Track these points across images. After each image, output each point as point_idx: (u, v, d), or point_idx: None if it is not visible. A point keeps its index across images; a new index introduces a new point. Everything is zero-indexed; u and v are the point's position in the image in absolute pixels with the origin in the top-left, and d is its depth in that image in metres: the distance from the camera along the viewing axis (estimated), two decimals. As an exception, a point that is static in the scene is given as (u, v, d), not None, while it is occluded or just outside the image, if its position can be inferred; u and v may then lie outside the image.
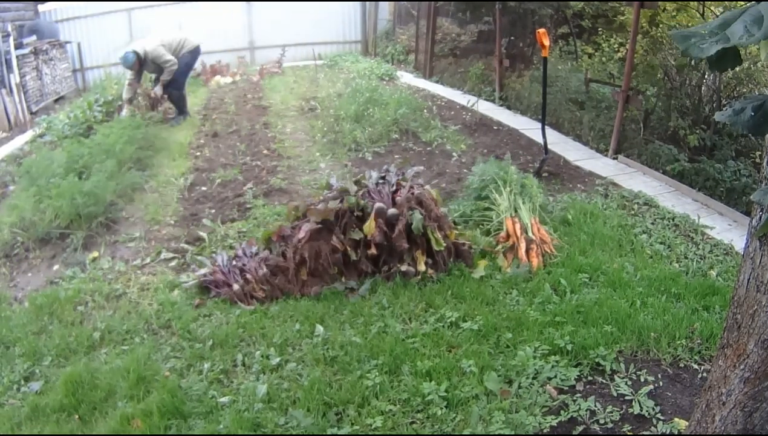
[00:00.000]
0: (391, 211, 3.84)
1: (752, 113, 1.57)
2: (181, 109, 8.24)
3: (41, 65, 9.44)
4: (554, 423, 2.60)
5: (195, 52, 8.12)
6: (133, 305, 3.77)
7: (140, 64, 7.56)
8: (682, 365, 3.04)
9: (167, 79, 7.72)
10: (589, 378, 2.93)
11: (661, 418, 2.64)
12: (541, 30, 5.23)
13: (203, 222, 4.90)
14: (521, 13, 9.25)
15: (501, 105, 8.98)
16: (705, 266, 4.12)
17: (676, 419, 2.62)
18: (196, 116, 8.51)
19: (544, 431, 2.58)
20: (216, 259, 4.09)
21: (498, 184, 4.57)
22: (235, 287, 3.74)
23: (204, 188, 5.69)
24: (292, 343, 3.27)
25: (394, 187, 4.12)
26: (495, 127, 7.73)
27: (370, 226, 3.77)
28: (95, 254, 4.48)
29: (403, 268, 3.84)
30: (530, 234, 4.11)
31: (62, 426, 2.72)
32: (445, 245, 3.92)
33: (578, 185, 5.70)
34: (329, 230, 3.82)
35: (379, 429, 2.60)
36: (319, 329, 3.35)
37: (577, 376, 2.91)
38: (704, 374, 2.92)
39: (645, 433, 2.57)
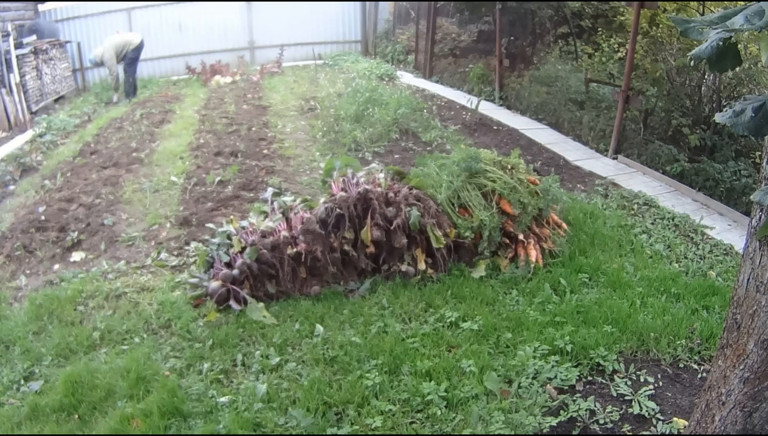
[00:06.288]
0: (390, 209, 3.84)
1: (752, 114, 1.57)
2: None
3: (41, 65, 9.42)
4: (554, 423, 2.60)
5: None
6: (133, 305, 3.76)
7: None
8: (681, 365, 3.04)
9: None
10: (589, 378, 2.93)
11: (661, 418, 2.64)
12: None
13: (203, 222, 4.89)
14: (521, 13, 9.25)
15: (501, 105, 8.98)
16: (705, 266, 4.13)
17: (676, 419, 2.62)
18: (195, 116, 8.51)
19: (544, 431, 2.58)
20: (214, 260, 4.08)
21: None
22: (233, 287, 3.73)
23: (204, 188, 5.68)
24: (291, 343, 3.27)
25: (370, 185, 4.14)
26: (495, 127, 7.73)
27: (366, 232, 3.77)
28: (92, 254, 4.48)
29: (403, 267, 3.84)
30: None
31: (62, 426, 2.72)
32: (444, 242, 3.91)
33: (578, 185, 5.70)
34: (324, 227, 3.82)
35: (379, 429, 2.60)
36: (319, 328, 3.35)
37: (577, 376, 2.91)
38: (704, 374, 2.93)
39: (645, 433, 2.57)
